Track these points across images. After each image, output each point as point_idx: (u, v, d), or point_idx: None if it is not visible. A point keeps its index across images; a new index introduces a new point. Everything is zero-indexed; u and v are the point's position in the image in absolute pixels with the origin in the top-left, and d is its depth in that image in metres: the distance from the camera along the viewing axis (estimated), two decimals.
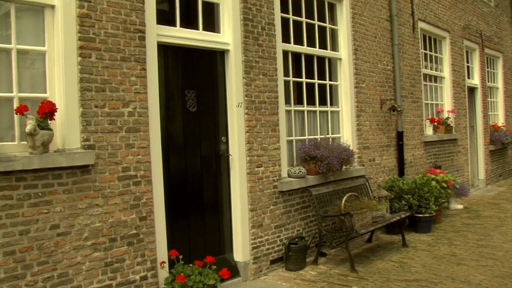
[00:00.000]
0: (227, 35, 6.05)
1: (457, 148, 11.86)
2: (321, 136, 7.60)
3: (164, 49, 5.41)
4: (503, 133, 14.45)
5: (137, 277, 4.83)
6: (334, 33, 8.07)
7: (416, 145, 9.92)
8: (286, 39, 6.93)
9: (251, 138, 6.11)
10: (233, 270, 5.82)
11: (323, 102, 7.79)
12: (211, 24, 6.05)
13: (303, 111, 7.36)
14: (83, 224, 4.44)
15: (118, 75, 4.76)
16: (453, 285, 5.65)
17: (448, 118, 11.25)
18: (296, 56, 7.28)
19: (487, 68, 14.41)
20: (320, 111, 7.69)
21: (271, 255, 6.30)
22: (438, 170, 9.46)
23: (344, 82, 8.03)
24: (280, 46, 6.68)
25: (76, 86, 4.46)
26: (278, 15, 6.66)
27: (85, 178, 4.47)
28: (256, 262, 6.08)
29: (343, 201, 6.62)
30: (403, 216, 7.47)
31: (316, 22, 7.62)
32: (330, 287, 5.73)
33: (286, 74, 6.92)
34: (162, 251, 5.09)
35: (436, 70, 11.47)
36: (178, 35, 5.55)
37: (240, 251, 6.01)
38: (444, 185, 8.92)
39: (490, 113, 14.49)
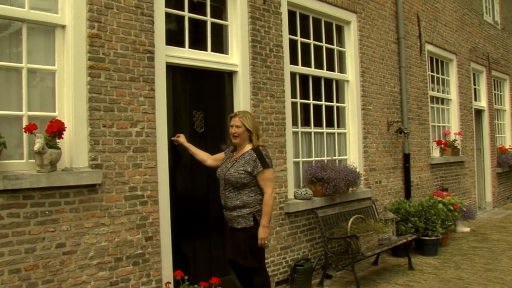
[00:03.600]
0: (235, 57, 6.09)
1: (464, 171, 11.81)
2: (328, 158, 7.61)
3: (173, 70, 5.46)
4: (510, 155, 14.39)
5: None
6: (341, 55, 8.12)
7: (422, 167, 9.89)
8: (294, 61, 6.98)
9: None
10: None
11: (330, 124, 7.81)
12: (220, 45, 6.10)
13: (310, 133, 7.37)
14: (89, 243, 4.44)
15: (127, 95, 4.80)
16: None
17: (455, 140, 11.22)
18: (304, 77, 7.32)
19: (494, 90, 14.40)
20: (327, 133, 7.70)
21: (276, 277, 6.26)
22: (445, 193, 9.41)
23: (351, 104, 8.05)
24: (288, 67, 6.72)
25: (85, 105, 4.50)
26: (286, 37, 6.71)
27: (92, 197, 4.48)
28: None
29: (349, 223, 6.59)
30: (409, 238, 7.42)
31: (324, 44, 7.68)
32: None
33: (293, 95, 6.96)
34: (167, 271, 5.07)
35: (443, 92, 11.47)
36: (187, 56, 5.59)
37: None
38: (451, 207, 8.86)
39: (497, 135, 14.46)
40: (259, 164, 4.70)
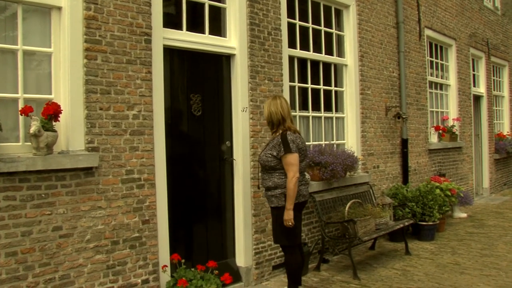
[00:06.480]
0: (233, 40, 6.04)
1: (461, 156, 11.82)
2: (326, 142, 7.59)
3: (170, 53, 5.41)
4: (508, 142, 14.41)
5: (139, 280, 4.82)
6: (340, 39, 8.06)
7: (420, 152, 9.89)
8: (292, 45, 6.92)
9: (256, 143, 6.09)
10: (235, 275, 5.80)
11: (328, 108, 7.78)
12: (218, 28, 6.05)
13: (308, 117, 7.35)
14: (86, 226, 4.43)
15: (124, 77, 4.76)
16: None
17: (453, 126, 11.22)
18: (302, 61, 7.28)
19: (493, 76, 14.37)
20: (325, 117, 7.68)
21: (273, 261, 6.28)
22: (442, 178, 9.43)
23: (350, 88, 8.02)
24: (286, 51, 6.67)
25: (81, 88, 4.46)
26: (284, 20, 6.65)
27: (88, 180, 4.46)
28: (258, 268, 6.06)
29: (346, 208, 6.60)
30: (406, 223, 7.44)
31: (322, 28, 7.62)
32: None
33: (291, 79, 6.92)
34: (164, 255, 5.07)
35: (442, 78, 11.44)
36: (184, 38, 5.54)
37: (243, 256, 5.99)
38: (448, 193, 8.88)
39: (495, 121, 14.45)
40: (282, 149, 4.96)
